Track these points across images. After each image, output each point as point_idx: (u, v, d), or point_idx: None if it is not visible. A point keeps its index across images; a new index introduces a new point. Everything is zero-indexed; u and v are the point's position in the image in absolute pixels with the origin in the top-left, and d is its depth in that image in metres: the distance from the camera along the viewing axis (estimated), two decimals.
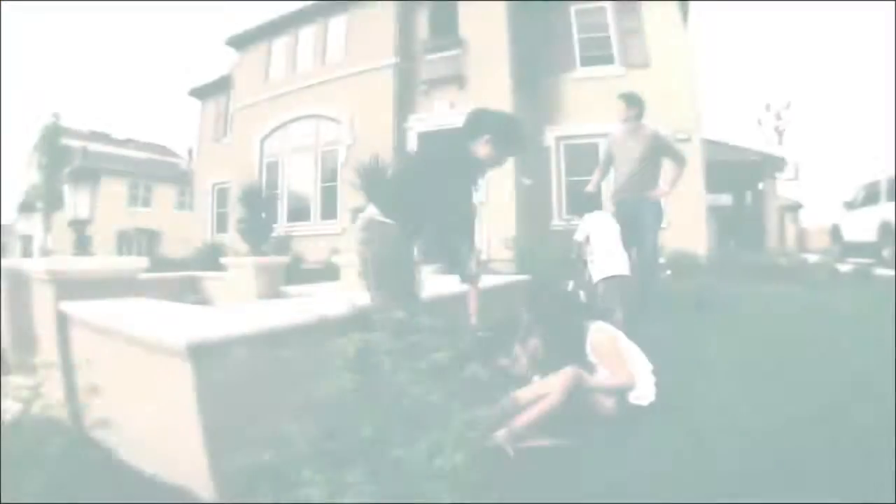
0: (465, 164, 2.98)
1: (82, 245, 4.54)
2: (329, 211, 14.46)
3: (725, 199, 20.03)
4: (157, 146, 35.98)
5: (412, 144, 13.68)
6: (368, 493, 1.37)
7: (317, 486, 1.38)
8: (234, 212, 12.82)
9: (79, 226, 4.52)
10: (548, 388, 2.56)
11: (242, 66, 17.52)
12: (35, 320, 3.89)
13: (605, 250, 4.85)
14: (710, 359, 3.74)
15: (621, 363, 2.67)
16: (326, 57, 15.23)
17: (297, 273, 10.02)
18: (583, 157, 12.70)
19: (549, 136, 13.40)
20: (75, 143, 28.30)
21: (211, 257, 10.82)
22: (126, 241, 28.05)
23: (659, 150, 5.53)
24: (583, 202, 5.39)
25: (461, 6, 13.23)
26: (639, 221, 5.40)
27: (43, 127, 12.30)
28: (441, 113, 13.26)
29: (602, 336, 2.78)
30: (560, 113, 13.18)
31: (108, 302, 3.50)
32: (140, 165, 31.86)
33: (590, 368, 2.74)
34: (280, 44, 16.42)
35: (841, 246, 13.17)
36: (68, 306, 3.39)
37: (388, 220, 2.92)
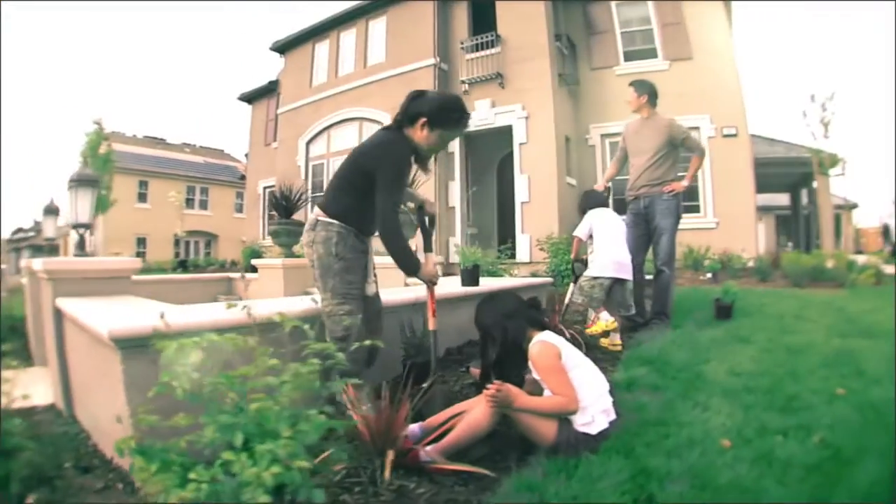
0: (400, 154, 2.77)
1: (82, 247, 4.62)
2: None
3: (782, 198, 19.03)
4: (215, 150, 36.82)
5: (453, 145, 13.56)
6: (203, 493, 1.36)
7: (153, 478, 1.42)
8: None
9: (81, 229, 4.60)
10: (473, 406, 2.29)
11: (287, 71, 17.82)
12: (42, 315, 4.14)
13: (604, 249, 4.54)
14: (702, 378, 3.26)
15: (561, 383, 2.24)
16: (368, 59, 15.24)
17: None
18: None
19: (595, 134, 13.03)
20: (133, 149, 29.58)
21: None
22: (183, 244, 28.89)
23: (675, 140, 5.05)
24: (587, 198, 5.04)
25: (499, 4, 12.98)
26: (653, 219, 5.01)
27: (86, 134, 12.79)
28: (482, 112, 13.05)
29: (540, 349, 2.35)
30: (605, 110, 12.73)
31: (99, 299, 3.56)
32: (197, 169, 32.75)
33: (539, 386, 2.42)
34: (323, 48, 16.57)
35: (892, 246, 12.34)
36: (62, 302, 3.50)
37: (331, 220, 2.79)
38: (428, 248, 3.11)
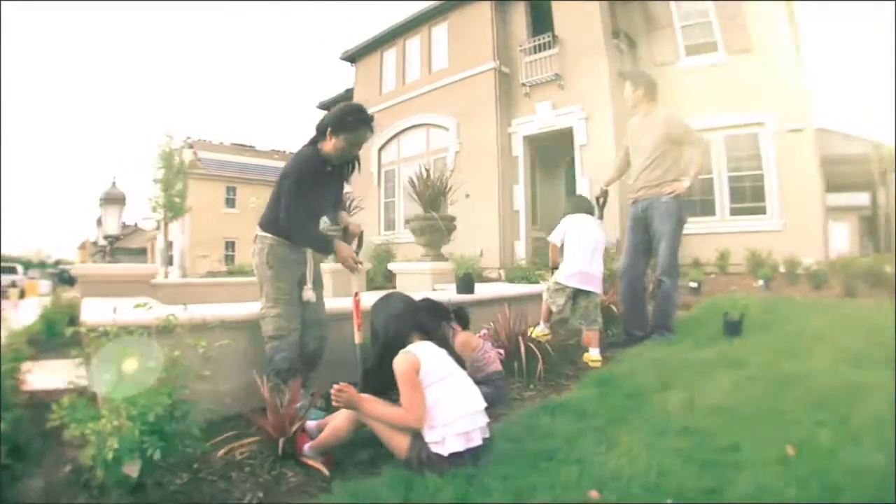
0: (302, 163, 3.03)
1: (112, 254, 5.07)
2: None
3: (862, 198, 17.37)
4: None
5: (517, 149, 13.55)
6: (93, 435, 1.90)
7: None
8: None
9: (111, 240, 5.06)
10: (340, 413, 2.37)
11: (359, 79, 18.42)
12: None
13: (571, 258, 4.41)
14: (643, 410, 2.90)
15: (409, 395, 2.20)
16: (432, 65, 15.52)
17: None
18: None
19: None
20: (220, 156, 31.30)
21: None
22: None
23: (673, 136, 4.68)
24: (568, 203, 4.87)
25: (554, 4, 12.83)
26: (652, 223, 4.70)
27: (159, 145, 13.82)
28: (543, 114, 12.97)
29: (400, 358, 2.30)
30: (668, 108, 12.18)
31: (114, 299, 3.97)
32: None
33: None
34: (390, 55, 17.04)
35: None
36: (86, 301, 4.15)
37: (265, 234, 3.10)
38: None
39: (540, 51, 12.93)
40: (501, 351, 3.58)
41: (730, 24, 11.61)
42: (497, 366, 3.35)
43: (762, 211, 10.94)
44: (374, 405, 2.27)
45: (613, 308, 5.18)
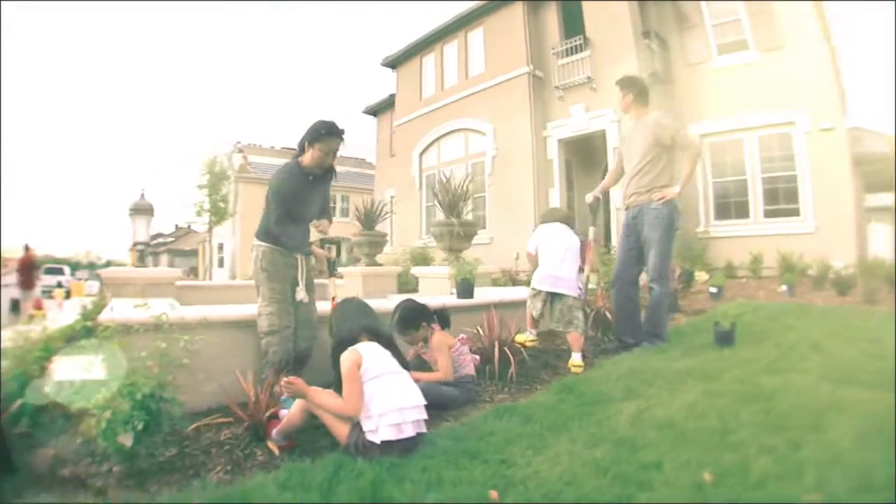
0: (282, 175, 3.45)
1: (142, 260, 5.53)
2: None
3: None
4: (355, 159, 38.79)
5: (552, 152, 13.65)
6: (97, 407, 2.33)
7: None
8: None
9: (141, 247, 5.52)
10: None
11: (400, 85, 18.86)
12: None
13: (543, 264, 4.54)
14: (588, 419, 2.88)
15: (347, 388, 2.48)
16: (469, 70, 15.76)
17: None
18: (729, 155, 11.66)
19: (693, 135, 12.41)
20: (269, 160, 32.16)
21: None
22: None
23: (662, 140, 4.54)
24: (542, 215, 4.98)
25: (585, 6, 12.89)
26: (642, 231, 4.66)
27: (206, 156, 14.47)
28: (577, 118, 13.03)
29: (344, 355, 2.60)
30: (702, 108, 11.95)
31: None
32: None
33: None
34: (429, 61, 17.38)
35: None
36: (114, 302, 4.49)
37: (259, 242, 3.52)
38: (332, 273, 3.61)
39: (572, 53, 13.02)
40: (477, 357, 3.77)
41: (760, 22, 11.37)
42: (470, 370, 3.58)
43: (796, 213, 10.67)
44: (319, 395, 2.56)
45: (607, 315, 5.29)
